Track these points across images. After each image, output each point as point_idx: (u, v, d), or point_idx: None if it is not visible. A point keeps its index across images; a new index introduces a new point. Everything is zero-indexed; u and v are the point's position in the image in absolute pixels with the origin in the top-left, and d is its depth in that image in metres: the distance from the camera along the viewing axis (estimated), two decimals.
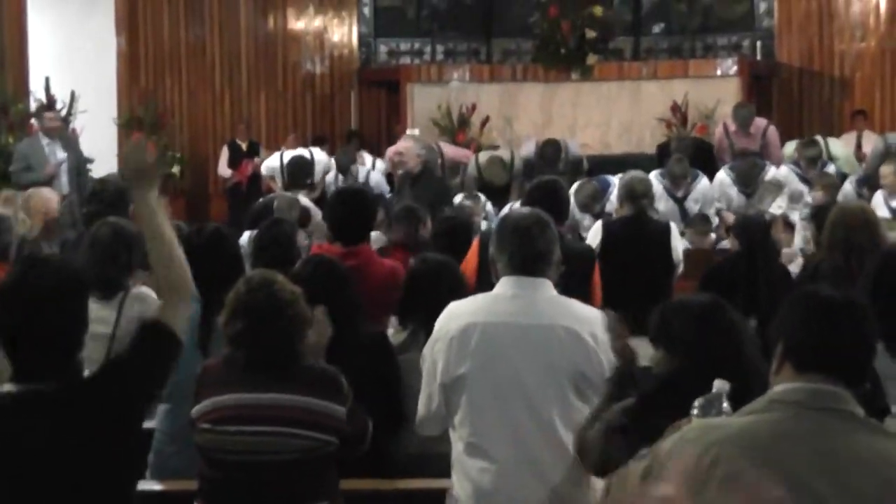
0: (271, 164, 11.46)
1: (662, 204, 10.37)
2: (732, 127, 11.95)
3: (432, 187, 9.56)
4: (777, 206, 10.59)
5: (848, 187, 10.50)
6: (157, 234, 3.39)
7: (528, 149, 11.66)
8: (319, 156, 11.32)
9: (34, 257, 3.73)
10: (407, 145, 10.02)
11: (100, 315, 5.01)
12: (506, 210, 9.31)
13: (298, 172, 10.39)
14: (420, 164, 9.77)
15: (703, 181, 10.76)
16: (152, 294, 5.12)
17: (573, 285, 4.20)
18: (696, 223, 10.17)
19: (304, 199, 11.08)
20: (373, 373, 4.62)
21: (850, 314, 2.91)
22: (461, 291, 4.70)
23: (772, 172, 10.91)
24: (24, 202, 8.20)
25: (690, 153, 11.34)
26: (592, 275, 6.47)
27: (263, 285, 4.09)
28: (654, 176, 10.24)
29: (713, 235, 10.24)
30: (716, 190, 10.84)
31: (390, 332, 5.24)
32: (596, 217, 9.34)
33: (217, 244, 5.27)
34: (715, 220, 10.49)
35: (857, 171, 11.02)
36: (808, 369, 2.87)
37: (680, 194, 10.67)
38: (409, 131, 11.66)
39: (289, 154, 11.25)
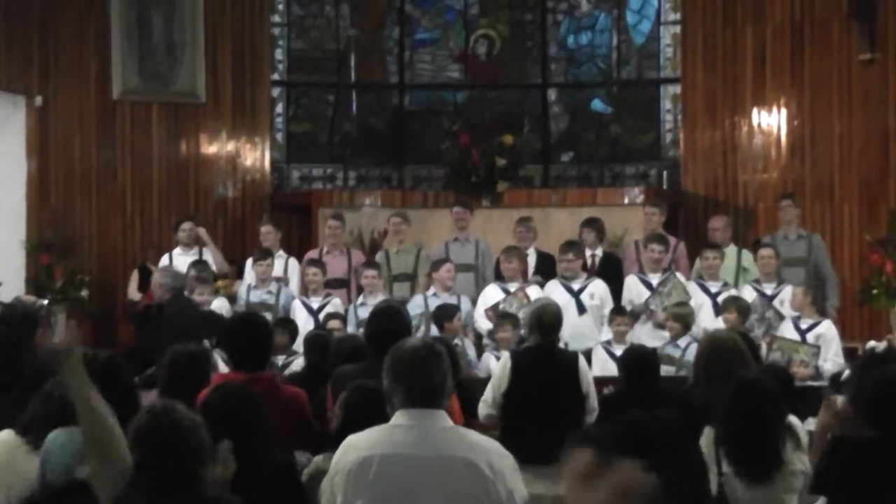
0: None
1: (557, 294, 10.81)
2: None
3: (181, 314, 10.11)
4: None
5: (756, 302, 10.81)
6: (91, 412, 3.40)
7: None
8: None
9: None
10: (155, 277, 10.71)
11: (30, 457, 4.96)
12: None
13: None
14: (169, 291, 10.36)
15: (601, 281, 11.22)
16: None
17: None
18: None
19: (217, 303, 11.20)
20: (279, 502, 4.58)
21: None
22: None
23: (681, 277, 11.23)
24: None
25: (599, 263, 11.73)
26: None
27: (164, 413, 4.07)
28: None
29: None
30: (626, 290, 11.29)
31: (319, 458, 5.22)
32: None
33: (110, 372, 5.23)
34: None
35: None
36: None
37: (576, 287, 10.92)
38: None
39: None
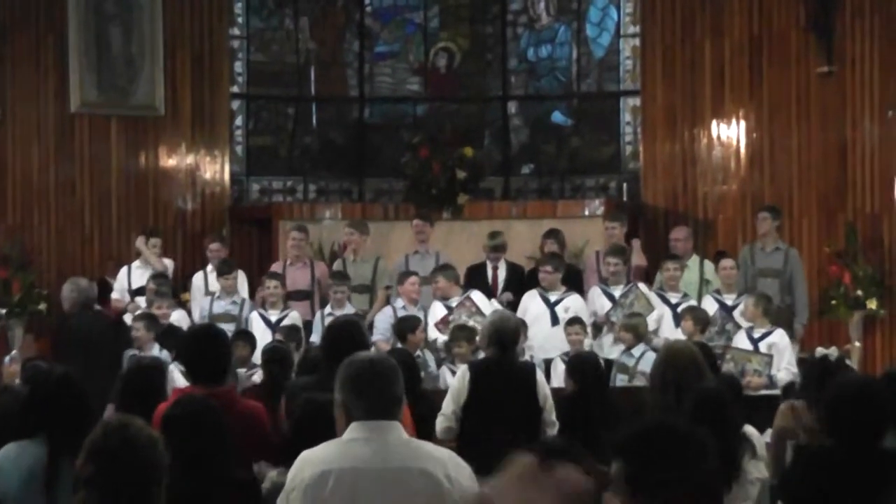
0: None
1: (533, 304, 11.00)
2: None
3: (89, 322, 10.43)
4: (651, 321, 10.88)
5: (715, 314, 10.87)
6: None
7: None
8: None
9: None
10: (64, 287, 10.81)
11: None
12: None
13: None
14: (76, 304, 10.56)
15: (578, 296, 11.32)
16: None
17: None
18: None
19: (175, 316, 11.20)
20: None
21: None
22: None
23: (644, 288, 11.26)
24: None
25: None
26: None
27: (119, 428, 4.01)
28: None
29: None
30: (589, 302, 11.34)
31: (273, 473, 5.18)
32: None
33: (64, 387, 5.18)
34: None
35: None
36: None
37: (552, 298, 10.99)
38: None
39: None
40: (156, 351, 10.15)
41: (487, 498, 2.87)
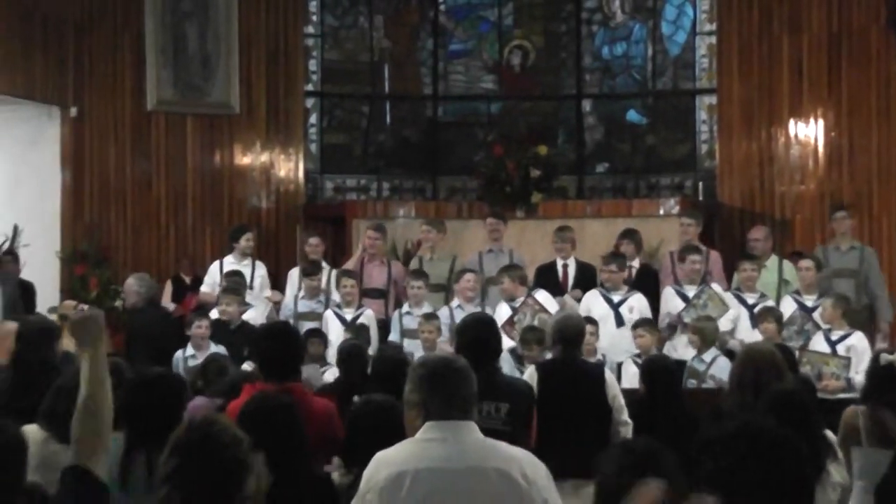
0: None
1: (596, 305, 10.94)
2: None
3: (154, 319, 10.97)
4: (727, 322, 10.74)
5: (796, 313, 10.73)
6: (98, 385, 3.36)
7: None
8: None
9: None
10: (128, 282, 11.22)
11: (58, 449, 4.93)
12: None
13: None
14: (142, 299, 11.10)
15: (641, 295, 11.16)
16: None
17: (517, 423, 4.18)
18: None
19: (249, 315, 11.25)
20: None
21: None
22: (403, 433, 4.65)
23: (717, 289, 11.13)
24: None
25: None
26: (533, 412, 6.49)
27: (203, 425, 4.01)
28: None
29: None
30: (662, 302, 11.23)
31: (335, 474, 5.17)
32: None
33: (159, 387, 5.20)
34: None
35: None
36: None
37: (616, 298, 10.92)
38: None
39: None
40: (213, 348, 10.18)
41: None
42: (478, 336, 6.27)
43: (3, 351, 7.86)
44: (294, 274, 12.25)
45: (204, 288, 12.31)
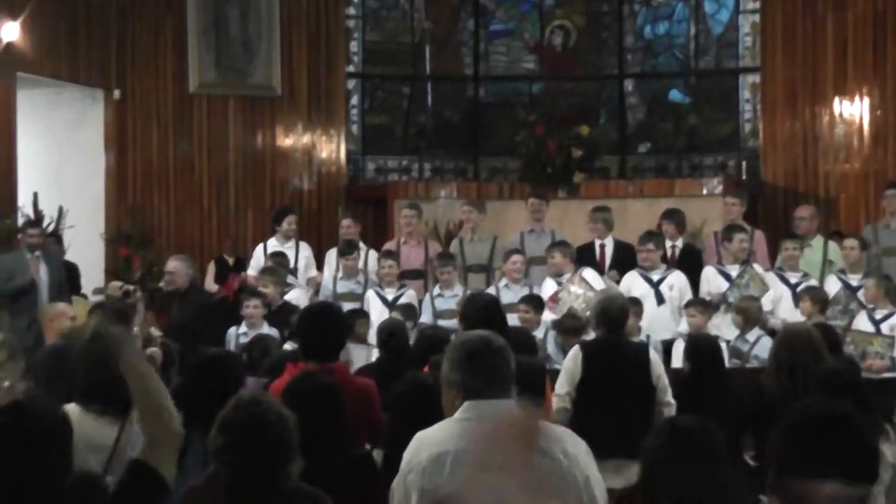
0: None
1: (636, 285, 10.88)
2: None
3: (197, 302, 11.18)
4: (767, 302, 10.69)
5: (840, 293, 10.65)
6: (140, 385, 3.38)
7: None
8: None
9: (17, 404, 3.62)
10: (177, 265, 11.27)
11: (100, 427, 4.96)
12: None
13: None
14: (188, 281, 11.23)
15: (680, 273, 11.12)
16: None
17: (527, 399, 4.15)
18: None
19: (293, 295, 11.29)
20: (360, 494, 4.55)
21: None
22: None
23: (759, 268, 11.07)
24: (42, 316, 8.58)
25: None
26: (545, 389, 6.48)
27: (250, 404, 4.05)
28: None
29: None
30: (703, 282, 11.14)
31: (375, 453, 5.19)
32: None
33: (219, 368, 5.24)
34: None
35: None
36: None
37: (655, 277, 10.89)
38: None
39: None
40: (265, 329, 10.23)
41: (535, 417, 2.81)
42: (481, 318, 6.25)
43: (54, 331, 7.95)
44: (332, 255, 12.26)
45: (251, 271, 12.34)
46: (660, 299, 10.92)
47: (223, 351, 6.06)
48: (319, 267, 12.55)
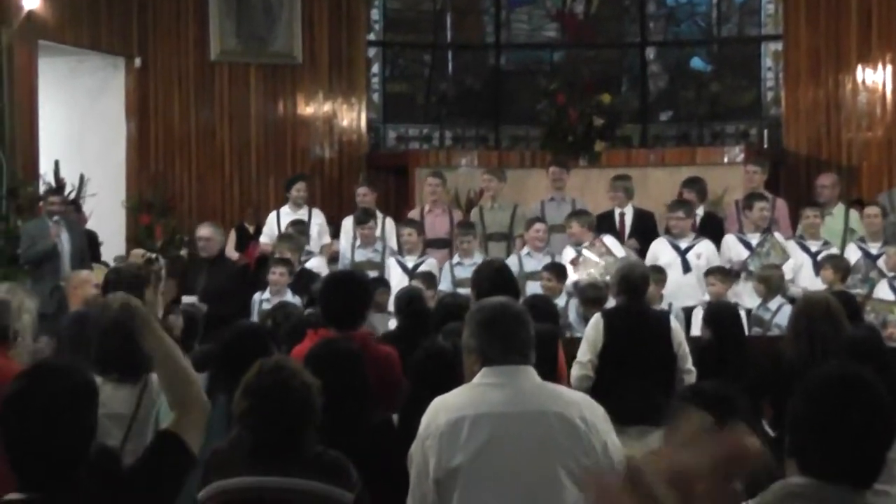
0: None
1: (664, 252, 10.89)
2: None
3: (229, 269, 11.50)
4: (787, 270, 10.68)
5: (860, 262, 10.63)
6: (167, 359, 3.42)
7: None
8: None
9: (44, 364, 3.65)
10: (211, 231, 11.54)
11: (119, 395, 5.00)
12: None
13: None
14: (219, 248, 11.56)
15: (709, 242, 11.10)
16: None
17: (538, 366, 4.16)
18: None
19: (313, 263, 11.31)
20: (381, 460, 4.57)
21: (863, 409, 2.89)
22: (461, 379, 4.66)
23: (779, 237, 11.05)
24: (66, 283, 8.70)
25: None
26: (557, 355, 6.49)
27: (275, 369, 4.08)
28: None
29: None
30: (723, 250, 11.12)
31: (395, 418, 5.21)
32: None
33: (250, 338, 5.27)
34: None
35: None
36: (824, 470, 2.84)
37: (683, 245, 10.90)
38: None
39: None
40: (289, 296, 10.26)
41: (635, 468, 2.77)
42: (493, 283, 6.24)
43: (78, 298, 7.99)
44: (348, 223, 12.22)
45: (263, 239, 12.38)
46: (686, 267, 10.91)
47: (256, 324, 6.12)
48: (335, 234, 12.56)
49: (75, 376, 3.20)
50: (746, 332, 9.14)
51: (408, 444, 4.16)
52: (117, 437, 5.01)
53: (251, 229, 13.50)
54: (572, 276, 10.59)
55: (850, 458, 2.84)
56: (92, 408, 3.20)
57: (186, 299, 10.08)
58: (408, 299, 8.14)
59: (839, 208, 11.87)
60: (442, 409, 4.08)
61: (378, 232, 11.91)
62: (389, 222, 12.23)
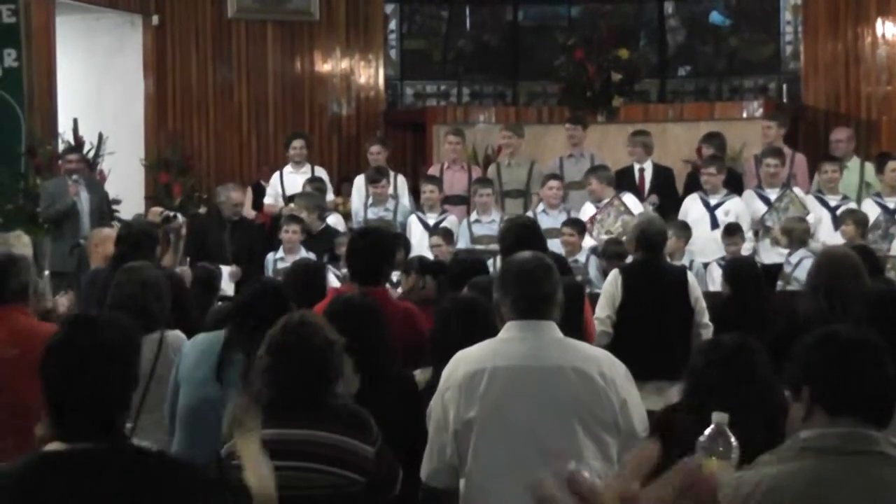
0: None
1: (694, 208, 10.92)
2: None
3: (253, 228, 11.59)
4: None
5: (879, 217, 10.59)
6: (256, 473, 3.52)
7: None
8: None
9: (83, 315, 3.65)
10: (240, 194, 11.51)
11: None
12: None
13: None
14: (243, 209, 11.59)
15: (739, 199, 11.08)
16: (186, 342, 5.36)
17: (564, 321, 4.17)
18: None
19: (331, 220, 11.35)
20: (402, 413, 4.59)
21: (875, 355, 2.90)
22: (492, 330, 4.67)
23: (799, 192, 11.01)
24: (88, 241, 8.79)
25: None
26: (583, 309, 6.49)
27: (298, 326, 4.10)
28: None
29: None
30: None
31: (418, 371, 5.23)
32: None
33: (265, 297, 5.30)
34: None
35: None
36: (840, 413, 2.84)
37: (713, 202, 10.85)
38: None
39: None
40: (302, 254, 10.27)
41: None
42: (519, 238, 6.24)
43: (99, 256, 8.04)
44: (360, 181, 12.21)
45: (267, 199, 12.38)
46: (714, 223, 10.88)
47: (272, 282, 6.16)
48: (337, 192, 12.61)
49: (119, 327, 3.21)
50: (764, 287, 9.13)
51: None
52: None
53: (268, 188, 13.52)
54: (590, 238, 10.60)
55: (864, 396, 2.85)
56: (136, 359, 3.21)
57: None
58: (421, 259, 8.17)
59: (854, 162, 11.82)
60: (462, 361, 4.11)
61: (391, 190, 11.91)
62: (402, 180, 12.23)
